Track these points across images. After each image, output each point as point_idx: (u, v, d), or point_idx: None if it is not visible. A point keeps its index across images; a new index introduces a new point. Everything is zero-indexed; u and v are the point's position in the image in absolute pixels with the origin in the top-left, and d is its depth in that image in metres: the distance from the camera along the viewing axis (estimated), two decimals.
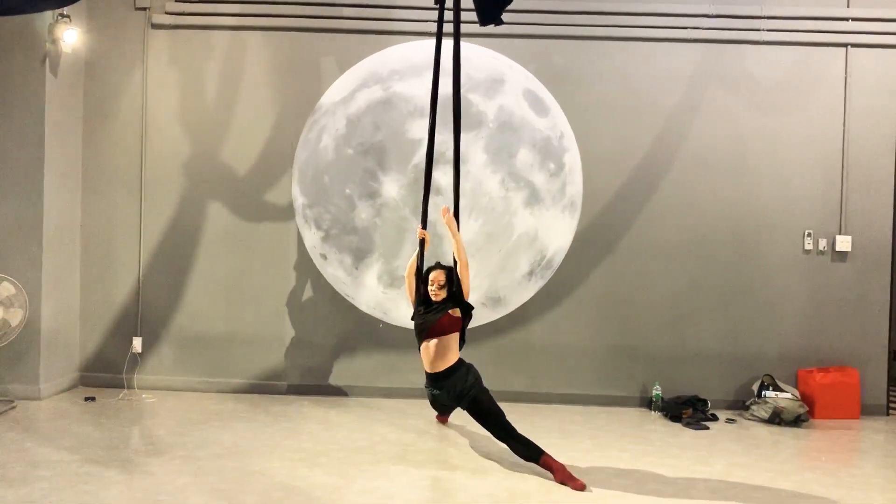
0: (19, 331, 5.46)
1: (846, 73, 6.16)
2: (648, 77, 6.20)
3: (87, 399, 5.82)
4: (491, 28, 6.01)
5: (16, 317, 5.38)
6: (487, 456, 4.66)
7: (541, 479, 4.25)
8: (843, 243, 6.12)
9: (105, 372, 6.25)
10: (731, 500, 3.98)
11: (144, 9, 6.23)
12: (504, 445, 4.39)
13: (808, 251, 6.17)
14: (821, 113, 6.18)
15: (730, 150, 6.18)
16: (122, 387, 6.13)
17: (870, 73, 6.17)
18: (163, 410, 5.61)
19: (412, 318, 4.52)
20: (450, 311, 4.37)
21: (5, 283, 5.35)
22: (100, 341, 6.29)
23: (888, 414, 6.09)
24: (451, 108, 4.42)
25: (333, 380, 6.22)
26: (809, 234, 6.16)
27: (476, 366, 6.23)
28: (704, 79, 6.20)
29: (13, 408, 5.48)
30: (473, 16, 4.44)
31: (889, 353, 6.16)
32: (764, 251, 6.17)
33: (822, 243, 6.15)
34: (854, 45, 6.16)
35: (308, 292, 6.23)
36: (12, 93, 5.73)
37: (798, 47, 6.17)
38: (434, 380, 4.38)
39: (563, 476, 4.14)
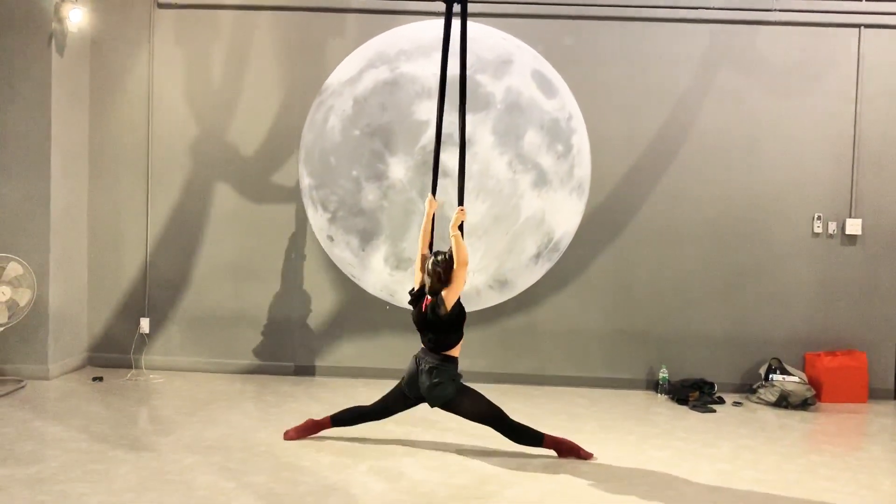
0: (27, 311, 5.48)
1: (859, 54, 6.08)
2: (658, 58, 6.14)
3: (95, 379, 5.85)
4: (500, 8, 5.99)
5: (24, 297, 5.40)
6: (494, 438, 4.66)
7: (549, 459, 4.26)
8: (853, 227, 6.08)
9: (113, 352, 6.28)
10: (738, 483, 3.98)
11: None
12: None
13: (817, 234, 6.13)
14: (832, 95, 6.11)
15: (739, 133, 6.13)
16: (130, 367, 6.16)
17: (883, 55, 6.09)
18: (170, 391, 5.64)
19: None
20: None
21: (13, 264, 5.37)
22: (107, 322, 6.32)
23: None
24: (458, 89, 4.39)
25: (341, 361, 6.24)
26: (819, 218, 6.11)
27: (483, 348, 6.26)
28: (715, 60, 6.13)
29: (22, 387, 5.52)
30: None
31: None
32: (773, 234, 6.13)
33: (832, 227, 6.11)
34: (867, 26, 6.07)
35: (315, 274, 6.23)
36: (19, 72, 5.71)
37: (810, 28, 6.09)
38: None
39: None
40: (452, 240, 4.18)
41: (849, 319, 6.11)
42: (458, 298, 4.22)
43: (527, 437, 4.32)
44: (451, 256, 4.23)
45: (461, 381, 4.34)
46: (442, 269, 4.17)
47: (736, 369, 6.13)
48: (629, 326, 6.17)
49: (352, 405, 4.72)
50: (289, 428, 4.57)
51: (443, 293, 4.19)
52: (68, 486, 3.63)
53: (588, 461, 4.26)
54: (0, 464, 3.91)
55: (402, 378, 4.43)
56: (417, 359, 4.34)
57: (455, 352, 4.32)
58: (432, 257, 4.24)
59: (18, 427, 4.57)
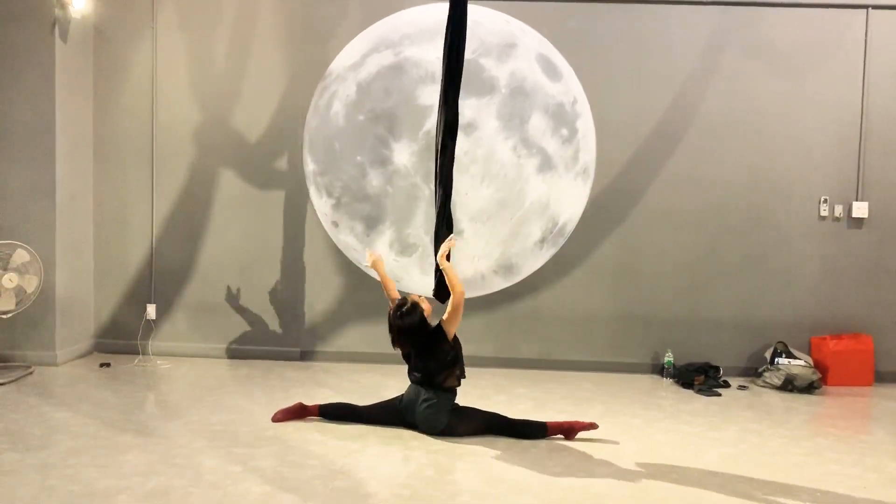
0: (35, 298, 5.51)
1: (866, 35, 6.03)
2: (664, 41, 6.10)
3: (102, 365, 5.89)
4: None
5: (31, 284, 5.43)
6: None
7: (554, 443, 4.27)
8: (860, 210, 6.05)
9: (120, 338, 6.31)
10: (743, 466, 3.99)
11: None
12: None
13: (823, 217, 6.10)
14: (839, 77, 6.07)
15: (745, 116, 6.10)
16: (137, 353, 6.19)
17: (891, 36, 6.04)
18: (177, 376, 5.67)
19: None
20: None
21: (20, 251, 5.39)
22: (114, 308, 6.34)
23: None
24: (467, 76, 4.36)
25: (346, 346, 6.26)
26: (825, 201, 6.09)
27: (488, 333, 6.27)
28: (721, 42, 6.08)
29: (30, 373, 5.55)
30: None
31: None
32: (779, 218, 6.11)
33: (839, 210, 6.08)
34: (875, 7, 6.02)
35: (320, 259, 6.24)
36: (22, 59, 5.71)
37: (817, 9, 6.04)
38: None
39: None
40: (443, 272, 4.26)
41: (855, 303, 6.10)
42: (455, 335, 4.37)
43: (531, 431, 4.37)
44: (414, 304, 4.40)
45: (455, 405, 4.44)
46: (410, 324, 4.42)
47: (741, 353, 6.13)
48: (635, 310, 6.17)
49: (345, 400, 4.80)
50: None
51: (444, 325, 4.31)
52: (77, 471, 3.66)
53: (595, 441, 4.27)
54: (9, 449, 3.95)
55: (401, 399, 4.51)
56: (416, 389, 4.45)
57: (453, 382, 4.39)
58: (393, 309, 4.44)
59: (27, 413, 4.61)
